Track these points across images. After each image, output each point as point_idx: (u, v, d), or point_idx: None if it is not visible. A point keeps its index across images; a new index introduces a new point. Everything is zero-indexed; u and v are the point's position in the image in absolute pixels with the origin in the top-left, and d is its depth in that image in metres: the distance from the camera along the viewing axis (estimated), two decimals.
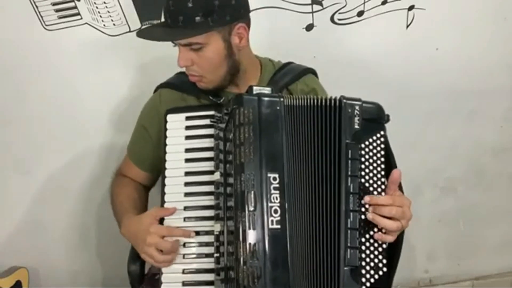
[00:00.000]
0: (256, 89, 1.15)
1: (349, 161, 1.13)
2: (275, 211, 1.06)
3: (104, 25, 1.68)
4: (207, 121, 1.26)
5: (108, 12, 1.66)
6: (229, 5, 1.22)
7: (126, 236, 1.27)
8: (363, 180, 1.13)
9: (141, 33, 1.30)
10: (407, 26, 1.87)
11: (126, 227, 1.27)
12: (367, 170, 1.14)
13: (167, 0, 1.23)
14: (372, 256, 1.11)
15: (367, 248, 1.11)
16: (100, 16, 1.66)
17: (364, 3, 1.80)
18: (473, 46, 1.94)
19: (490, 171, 2.18)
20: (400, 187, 1.18)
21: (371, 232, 1.12)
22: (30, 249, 1.92)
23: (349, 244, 1.10)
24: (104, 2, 1.65)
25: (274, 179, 1.08)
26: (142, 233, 1.19)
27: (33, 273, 1.91)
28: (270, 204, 1.06)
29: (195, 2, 1.18)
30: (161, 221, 1.22)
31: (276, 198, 1.07)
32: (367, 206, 1.12)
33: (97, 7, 1.65)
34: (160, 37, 1.29)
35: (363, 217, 1.11)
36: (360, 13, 1.82)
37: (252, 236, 1.04)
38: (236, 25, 1.26)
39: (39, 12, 1.63)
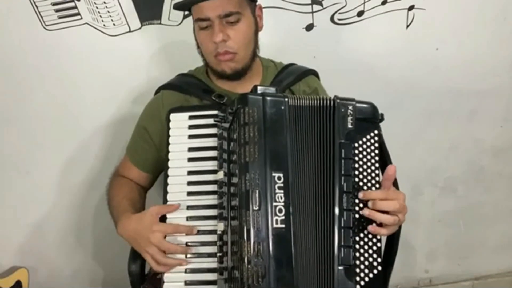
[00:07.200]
0: (260, 89, 1.16)
1: (342, 161, 1.14)
2: (280, 211, 1.06)
3: (104, 25, 1.68)
4: (210, 121, 1.25)
5: (108, 12, 1.66)
6: None
7: (124, 236, 1.25)
8: (357, 179, 1.14)
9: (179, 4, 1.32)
10: (407, 26, 1.87)
11: (125, 227, 1.24)
12: (361, 169, 1.15)
13: None
14: (366, 255, 1.11)
15: (361, 247, 1.12)
16: (100, 16, 1.66)
17: (364, 3, 1.81)
18: (473, 46, 1.94)
19: (490, 171, 2.18)
20: (395, 184, 1.19)
21: (365, 231, 1.12)
22: (30, 249, 1.92)
23: (343, 243, 1.10)
24: (104, 2, 1.65)
25: (279, 178, 1.08)
26: (143, 231, 1.18)
27: (33, 273, 1.90)
28: (274, 204, 1.06)
29: None
30: (162, 219, 1.21)
31: (281, 198, 1.07)
32: (361, 205, 1.12)
33: (97, 7, 1.65)
34: None
35: (357, 216, 1.12)
36: (360, 13, 1.82)
37: (256, 235, 1.04)
38: (256, 5, 1.36)
39: (39, 12, 1.63)
